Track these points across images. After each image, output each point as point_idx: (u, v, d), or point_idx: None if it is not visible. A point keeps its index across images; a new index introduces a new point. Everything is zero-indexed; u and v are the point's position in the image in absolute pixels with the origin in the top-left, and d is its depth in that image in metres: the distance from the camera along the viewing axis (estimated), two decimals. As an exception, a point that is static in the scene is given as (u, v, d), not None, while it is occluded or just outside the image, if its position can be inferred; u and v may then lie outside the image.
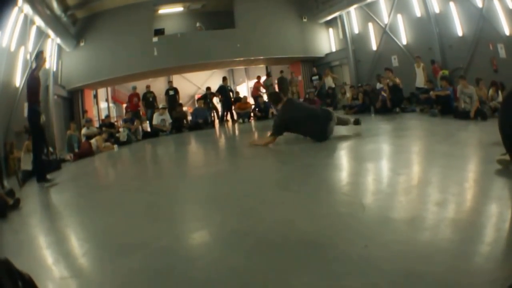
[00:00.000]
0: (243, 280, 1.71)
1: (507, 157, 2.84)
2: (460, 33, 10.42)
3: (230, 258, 1.95)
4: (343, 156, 4.70)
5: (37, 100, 5.47)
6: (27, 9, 8.98)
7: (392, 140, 5.56)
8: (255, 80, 14.43)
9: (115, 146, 9.01)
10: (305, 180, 3.56)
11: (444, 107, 7.81)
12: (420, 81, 10.23)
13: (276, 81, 14.11)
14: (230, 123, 12.40)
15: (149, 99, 12.29)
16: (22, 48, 9.30)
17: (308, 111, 5.75)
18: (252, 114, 12.38)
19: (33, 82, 5.46)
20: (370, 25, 13.48)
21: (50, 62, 11.74)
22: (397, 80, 9.58)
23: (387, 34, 12.80)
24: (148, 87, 12.70)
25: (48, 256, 2.45)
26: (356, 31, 14.11)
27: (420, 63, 10.31)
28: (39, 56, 5.61)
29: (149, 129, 11.59)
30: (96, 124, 12.36)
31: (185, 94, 19.64)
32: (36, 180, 5.28)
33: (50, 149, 7.90)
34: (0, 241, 2.97)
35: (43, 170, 5.35)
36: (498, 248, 1.77)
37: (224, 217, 2.66)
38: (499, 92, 7.82)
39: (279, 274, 1.72)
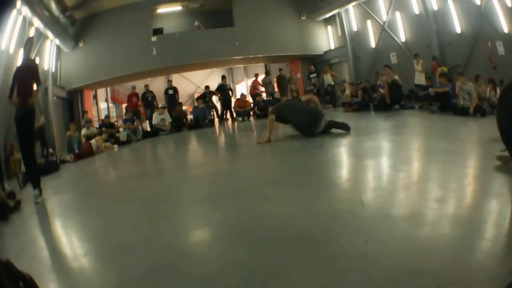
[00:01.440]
0: (243, 276, 1.72)
1: (506, 153, 2.84)
2: (458, 30, 10.42)
3: (230, 255, 1.96)
4: (343, 153, 4.70)
5: (29, 98, 4.37)
6: (26, 10, 8.97)
7: (392, 137, 5.57)
8: (253, 79, 14.43)
9: (115, 146, 9.02)
10: (305, 176, 3.57)
11: (443, 104, 7.81)
12: (419, 78, 10.23)
13: (275, 79, 14.10)
14: (229, 121, 12.40)
15: (148, 99, 12.29)
16: (21, 50, 9.27)
17: (301, 107, 6.15)
18: (251, 113, 12.38)
19: (31, 67, 4.60)
20: (369, 22, 13.47)
21: (49, 63, 11.75)
22: (396, 77, 9.58)
23: (385, 31, 12.80)
24: (146, 86, 12.69)
25: (49, 256, 2.46)
26: (355, 28, 14.11)
27: (419, 60, 10.31)
28: (29, 42, 4.91)
29: (149, 129, 11.60)
30: (96, 125, 12.35)
31: (185, 93, 19.63)
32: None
33: (50, 150, 7.91)
34: (1, 242, 2.97)
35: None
36: (498, 244, 1.78)
37: (224, 214, 2.66)
38: (497, 89, 7.82)
39: (279, 270, 1.73)
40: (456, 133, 5.41)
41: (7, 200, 3.90)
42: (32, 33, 9.61)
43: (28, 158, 4.41)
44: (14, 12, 8.73)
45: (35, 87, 4.54)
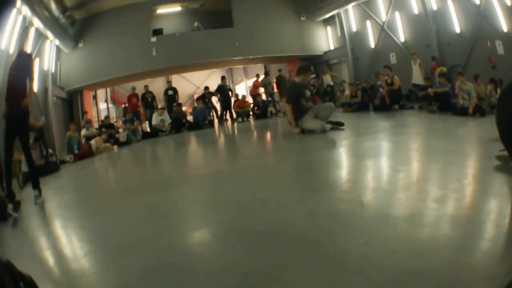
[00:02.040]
0: (243, 278, 1.72)
1: (506, 153, 2.85)
2: (458, 30, 10.42)
3: (230, 256, 1.96)
4: (342, 153, 4.70)
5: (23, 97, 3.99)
6: (26, 10, 8.97)
7: (391, 137, 5.57)
8: (254, 79, 14.44)
9: (115, 146, 9.02)
10: (304, 177, 3.58)
11: (442, 104, 7.82)
12: (417, 77, 10.26)
13: (274, 80, 14.11)
14: (229, 122, 12.41)
15: (148, 99, 12.30)
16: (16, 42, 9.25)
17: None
18: (251, 113, 12.39)
19: (25, 61, 4.19)
20: (368, 22, 13.48)
21: (49, 64, 11.75)
22: (397, 82, 9.55)
23: (385, 31, 12.80)
24: (146, 87, 12.70)
25: (49, 257, 2.46)
26: (354, 29, 14.12)
27: (416, 59, 10.33)
28: (24, 32, 4.34)
29: (148, 130, 11.60)
30: (96, 125, 12.35)
31: (184, 94, 19.64)
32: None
33: (50, 150, 7.90)
34: (1, 243, 2.97)
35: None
36: (498, 244, 1.78)
37: (224, 216, 2.67)
38: (498, 89, 7.83)
39: (279, 271, 1.73)
40: (455, 133, 5.41)
41: (7, 200, 3.89)
42: (28, 22, 9.40)
43: (27, 160, 4.33)
44: (14, 11, 8.72)
45: (28, 84, 4.08)
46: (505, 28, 9.05)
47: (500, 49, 9.26)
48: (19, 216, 3.68)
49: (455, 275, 1.52)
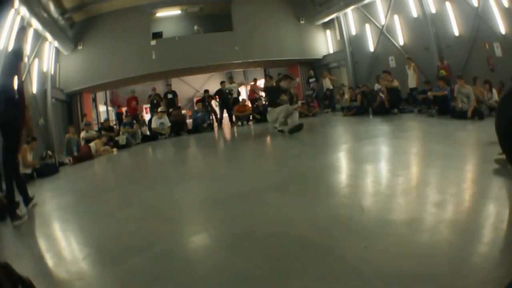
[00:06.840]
0: (243, 283, 1.72)
1: (504, 156, 2.86)
2: (456, 33, 10.46)
3: (230, 261, 1.96)
4: (342, 158, 4.70)
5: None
6: (24, 11, 8.95)
7: (391, 141, 5.58)
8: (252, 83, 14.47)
9: (114, 149, 9.01)
10: (304, 182, 3.57)
11: (441, 107, 7.83)
12: (412, 81, 10.36)
13: (274, 83, 14.13)
14: (229, 125, 12.42)
15: (153, 101, 12.36)
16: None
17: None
18: (251, 117, 12.39)
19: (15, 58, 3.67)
20: (367, 26, 13.51)
21: (48, 65, 11.75)
22: (396, 83, 9.62)
23: (384, 35, 12.83)
24: (154, 89, 12.81)
25: (48, 259, 2.45)
26: (353, 32, 14.15)
27: (411, 63, 10.41)
28: (21, 32, 4.13)
29: (148, 133, 11.60)
30: (95, 128, 12.35)
31: (184, 97, 19.65)
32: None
33: (49, 152, 7.91)
34: (-1, 245, 2.96)
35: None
36: (496, 248, 1.79)
37: (224, 220, 2.66)
38: (494, 91, 7.87)
39: (279, 276, 1.73)
40: (454, 136, 5.42)
41: (5, 200, 3.87)
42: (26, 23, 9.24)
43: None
44: (12, 12, 8.69)
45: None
46: (503, 31, 9.08)
47: (498, 51, 9.28)
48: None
49: (454, 279, 1.52)
